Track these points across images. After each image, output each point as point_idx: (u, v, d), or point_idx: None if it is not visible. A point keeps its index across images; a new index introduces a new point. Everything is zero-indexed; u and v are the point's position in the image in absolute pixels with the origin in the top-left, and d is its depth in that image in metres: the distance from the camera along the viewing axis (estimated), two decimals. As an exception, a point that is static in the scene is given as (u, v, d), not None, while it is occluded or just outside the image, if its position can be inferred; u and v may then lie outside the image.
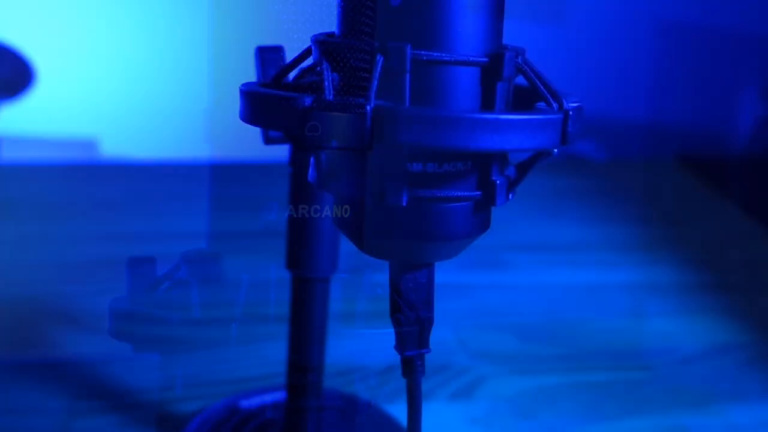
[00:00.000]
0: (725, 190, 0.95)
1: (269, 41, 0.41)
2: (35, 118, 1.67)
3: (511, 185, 0.30)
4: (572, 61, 1.79)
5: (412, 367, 0.32)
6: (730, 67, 1.86)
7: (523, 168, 0.30)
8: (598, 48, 1.83)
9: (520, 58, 0.29)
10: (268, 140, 0.38)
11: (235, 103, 0.31)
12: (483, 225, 0.30)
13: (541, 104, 0.29)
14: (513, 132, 0.26)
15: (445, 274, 0.33)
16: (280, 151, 0.41)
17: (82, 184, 0.87)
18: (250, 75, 0.38)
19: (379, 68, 0.26)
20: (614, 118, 1.80)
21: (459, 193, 0.29)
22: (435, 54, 0.27)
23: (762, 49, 1.81)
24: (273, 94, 0.28)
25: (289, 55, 0.36)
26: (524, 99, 0.31)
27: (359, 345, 0.59)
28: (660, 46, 1.84)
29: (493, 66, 0.28)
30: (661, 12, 1.82)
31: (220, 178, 0.91)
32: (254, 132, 0.32)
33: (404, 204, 0.28)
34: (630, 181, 1.01)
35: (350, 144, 0.28)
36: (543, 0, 1.76)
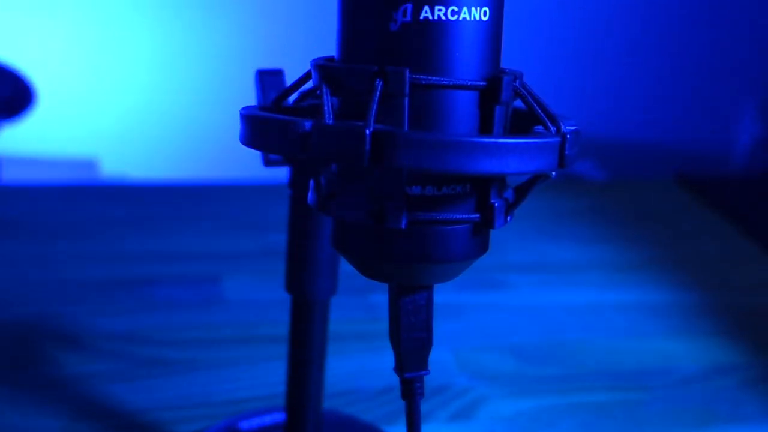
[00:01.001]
0: (724, 209, 0.95)
1: (270, 63, 0.41)
2: (36, 138, 1.68)
3: (510, 208, 0.30)
4: (572, 81, 1.80)
5: (411, 389, 0.32)
6: (727, 86, 1.87)
7: (522, 191, 0.30)
8: (597, 69, 1.84)
9: (518, 81, 0.29)
10: (268, 162, 0.38)
11: (234, 123, 0.31)
12: (482, 247, 0.30)
13: (539, 127, 0.29)
14: (511, 155, 0.26)
15: (443, 294, 0.33)
16: (280, 172, 0.41)
17: (83, 204, 0.87)
18: (250, 96, 0.38)
19: (378, 92, 0.26)
20: (613, 138, 1.81)
21: (457, 216, 0.29)
22: (433, 78, 0.27)
23: (758, 68, 1.82)
24: (273, 118, 0.28)
25: (290, 77, 0.36)
26: (522, 122, 0.31)
27: (359, 366, 0.59)
28: (658, 66, 1.85)
29: (491, 90, 0.28)
30: (659, 34, 1.83)
31: (221, 199, 0.91)
32: (254, 153, 0.32)
33: (403, 226, 0.28)
34: (628, 200, 1.01)
35: (349, 167, 0.29)
36: (543, 22, 1.77)
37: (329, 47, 0.30)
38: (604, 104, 1.83)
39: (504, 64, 0.30)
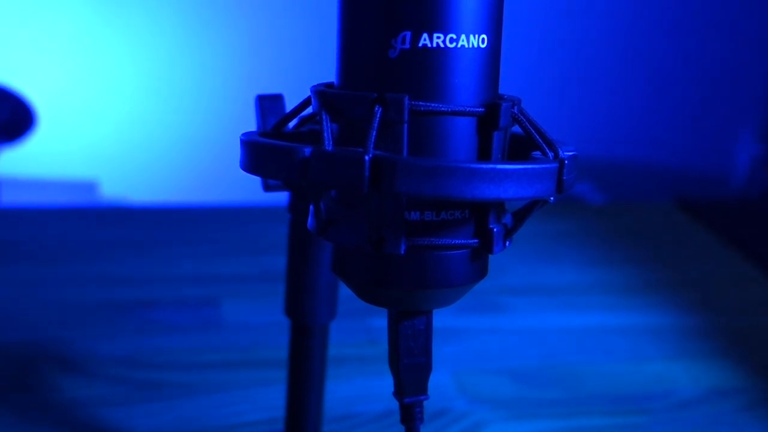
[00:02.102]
0: (723, 232, 0.95)
1: (270, 87, 0.41)
2: (35, 160, 1.68)
3: (508, 233, 0.30)
4: (571, 104, 1.81)
5: (410, 414, 0.32)
6: (726, 109, 1.87)
7: (520, 216, 0.31)
8: (596, 91, 1.84)
9: (516, 107, 0.29)
10: (267, 187, 0.38)
11: (234, 147, 0.31)
12: (481, 272, 0.31)
13: (537, 153, 0.29)
14: (509, 181, 0.26)
15: (443, 317, 0.33)
16: (280, 195, 0.42)
17: (82, 227, 0.87)
18: (250, 120, 0.38)
19: (377, 119, 0.27)
20: (612, 161, 1.81)
21: (456, 241, 0.29)
22: (432, 105, 0.27)
23: (757, 90, 1.83)
24: (272, 145, 0.28)
25: (290, 100, 0.36)
26: (520, 147, 0.32)
27: (358, 390, 0.59)
28: (657, 89, 1.85)
29: (490, 116, 0.28)
30: (658, 56, 1.84)
31: (220, 222, 0.91)
32: (254, 177, 0.32)
33: (402, 252, 0.28)
34: (628, 223, 1.01)
35: (349, 193, 0.29)
36: (542, 45, 1.78)
37: (330, 67, 0.31)
38: (603, 127, 1.83)
39: (503, 87, 0.30)
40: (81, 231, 0.86)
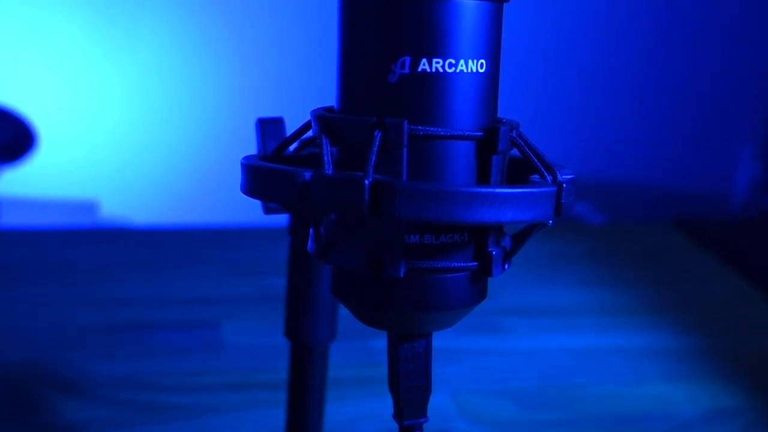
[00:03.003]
0: (723, 252, 0.95)
1: (270, 111, 0.42)
2: (36, 181, 1.68)
3: (508, 256, 0.30)
4: (570, 125, 1.81)
5: (410, 437, 0.32)
6: (725, 130, 1.88)
7: (519, 239, 0.31)
8: (595, 112, 1.85)
9: (514, 131, 0.29)
10: (268, 210, 0.38)
11: (234, 168, 0.32)
12: (480, 295, 0.31)
13: (536, 177, 0.30)
14: (508, 205, 0.26)
15: (442, 338, 0.33)
16: (280, 217, 0.42)
17: (82, 248, 0.87)
18: (250, 142, 0.38)
19: (377, 143, 0.27)
20: (611, 182, 1.81)
21: (456, 264, 0.29)
22: (431, 129, 0.27)
23: (756, 112, 1.83)
24: (273, 169, 0.28)
25: (290, 123, 0.36)
26: (519, 169, 0.32)
27: (358, 411, 0.59)
28: (656, 109, 1.86)
29: (489, 140, 0.28)
30: (657, 77, 1.84)
31: (220, 243, 0.92)
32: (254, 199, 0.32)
33: (402, 275, 0.28)
34: (627, 244, 1.01)
35: (349, 217, 0.29)
36: (540, 67, 1.78)
37: (330, 90, 0.31)
38: (602, 147, 1.84)
39: (501, 108, 0.30)
40: (81, 252, 0.86)
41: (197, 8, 1.70)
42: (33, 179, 1.68)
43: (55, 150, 1.68)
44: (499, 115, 0.30)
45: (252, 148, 0.37)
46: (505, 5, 0.29)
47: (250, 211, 0.59)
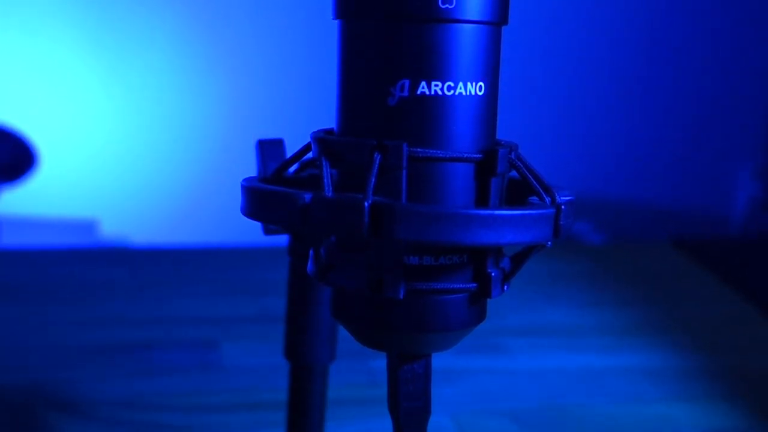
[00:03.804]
0: (722, 272, 0.95)
1: (270, 132, 0.42)
2: (36, 200, 1.69)
3: (506, 277, 0.31)
4: (569, 145, 1.82)
5: (410, 458, 0.32)
6: (724, 149, 1.88)
7: (518, 260, 0.31)
8: (594, 132, 1.85)
9: (513, 153, 0.30)
10: (267, 231, 0.39)
11: (234, 188, 0.32)
12: (479, 316, 0.31)
13: (534, 198, 0.30)
14: (507, 227, 0.27)
15: (442, 359, 0.33)
16: (280, 237, 0.42)
17: (82, 268, 0.87)
18: (250, 162, 0.38)
19: (376, 165, 0.27)
20: (610, 201, 1.82)
21: (455, 286, 0.29)
22: (430, 151, 0.28)
23: (755, 131, 1.84)
24: (273, 191, 0.28)
25: (289, 143, 0.36)
26: (518, 190, 0.32)
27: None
28: (655, 129, 1.87)
29: (487, 162, 0.29)
30: (655, 97, 1.85)
31: (219, 263, 0.92)
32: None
33: (401, 296, 0.28)
34: (626, 263, 1.01)
35: (348, 239, 0.29)
36: (539, 86, 1.79)
37: (329, 110, 0.31)
38: (602, 166, 1.84)
39: (501, 125, 0.31)
40: (80, 272, 0.86)
41: (201, 30, 1.71)
42: (33, 198, 1.68)
43: (56, 169, 1.69)
44: (499, 135, 0.31)
45: (252, 169, 0.37)
46: (503, 28, 0.29)
47: (249, 231, 0.59)
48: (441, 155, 0.28)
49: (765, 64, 1.88)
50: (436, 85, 0.27)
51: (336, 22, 0.29)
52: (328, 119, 0.31)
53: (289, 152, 0.34)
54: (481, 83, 0.28)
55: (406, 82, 0.27)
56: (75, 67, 1.71)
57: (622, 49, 1.83)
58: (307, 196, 0.27)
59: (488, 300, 0.31)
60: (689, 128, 1.89)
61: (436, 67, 0.27)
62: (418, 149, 0.28)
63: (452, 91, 0.28)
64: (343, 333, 0.39)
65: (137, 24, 1.69)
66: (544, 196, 0.29)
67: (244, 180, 0.31)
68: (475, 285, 0.30)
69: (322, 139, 0.29)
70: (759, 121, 1.88)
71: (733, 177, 1.91)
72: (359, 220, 0.26)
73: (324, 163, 0.28)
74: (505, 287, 0.30)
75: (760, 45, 1.86)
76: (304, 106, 1.48)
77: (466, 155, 0.28)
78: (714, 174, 1.91)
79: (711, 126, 1.89)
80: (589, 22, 1.80)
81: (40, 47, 1.68)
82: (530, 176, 0.30)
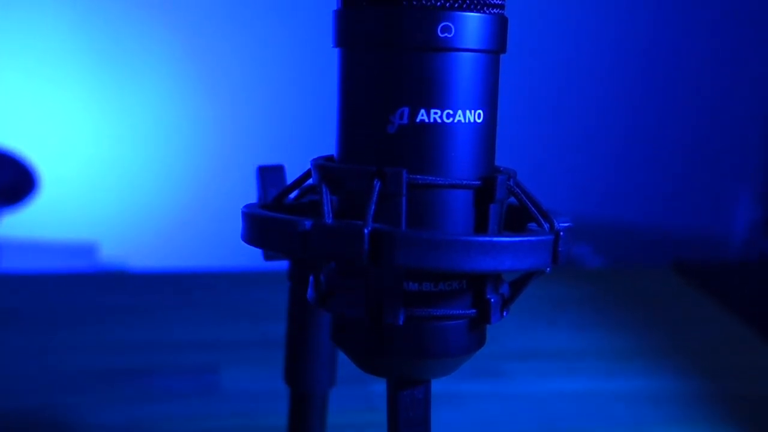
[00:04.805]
0: (722, 296, 0.95)
1: (270, 158, 0.42)
2: (36, 224, 1.69)
3: (506, 303, 0.31)
4: (569, 169, 1.82)
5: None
6: (723, 173, 1.89)
7: (517, 286, 0.31)
8: (594, 156, 1.86)
9: (511, 180, 0.30)
10: (267, 256, 0.39)
11: (234, 212, 0.32)
12: (479, 342, 0.31)
13: (533, 224, 0.30)
14: (506, 253, 0.27)
15: (441, 383, 0.33)
16: (279, 261, 0.42)
17: (81, 293, 0.87)
18: (250, 187, 0.38)
19: (376, 192, 0.27)
20: (610, 225, 1.82)
21: (454, 312, 0.29)
22: (430, 178, 0.28)
23: (754, 155, 1.84)
24: (273, 217, 0.28)
25: (289, 170, 0.37)
26: (517, 216, 0.32)
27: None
28: (655, 153, 1.87)
29: (486, 189, 0.29)
30: (656, 120, 1.85)
31: (220, 287, 0.92)
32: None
33: (401, 322, 0.28)
34: (626, 287, 1.01)
35: (348, 265, 0.29)
36: (540, 109, 1.80)
37: (330, 137, 0.31)
38: (602, 190, 1.85)
39: (500, 151, 0.31)
40: (79, 296, 0.86)
41: (201, 55, 1.72)
42: (33, 222, 1.69)
43: (56, 194, 1.69)
44: (498, 159, 0.31)
45: (251, 193, 0.38)
46: (502, 56, 0.30)
47: (249, 256, 0.59)
48: (440, 182, 0.28)
49: (764, 89, 1.88)
50: (436, 113, 0.28)
51: (336, 50, 0.30)
52: (329, 146, 0.31)
53: (290, 178, 0.34)
54: (480, 111, 0.29)
55: (406, 110, 0.28)
56: (75, 92, 1.71)
57: (622, 73, 1.84)
58: (308, 223, 0.27)
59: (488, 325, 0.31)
60: (689, 152, 1.90)
61: (435, 95, 0.28)
62: (418, 176, 0.28)
63: (451, 119, 0.28)
64: (342, 358, 0.39)
65: (137, 50, 1.70)
66: (543, 222, 0.29)
67: (245, 207, 0.31)
68: (474, 311, 0.30)
69: (322, 165, 0.29)
70: (759, 145, 1.89)
71: (734, 200, 1.91)
72: (359, 247, 0.26)
73: (324, 190, 0.28)
74: (505, 313, 0.31)
75: (760, 68, 1.87)
76: (304, 132, 1.48)
77: (465, 182, 0.28)
78: (714, 197, 1.92)
79: (711, 150, 1.90)
80: (589, 45, 1.81)
81: (41, 72, 1.69)
82: (529, 203, 0.30)
